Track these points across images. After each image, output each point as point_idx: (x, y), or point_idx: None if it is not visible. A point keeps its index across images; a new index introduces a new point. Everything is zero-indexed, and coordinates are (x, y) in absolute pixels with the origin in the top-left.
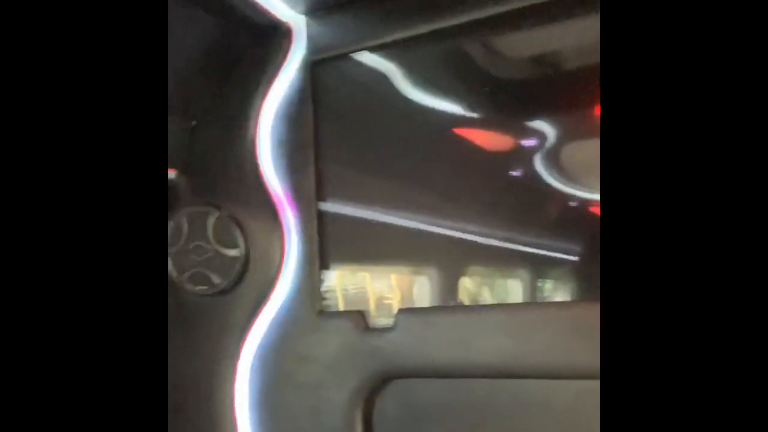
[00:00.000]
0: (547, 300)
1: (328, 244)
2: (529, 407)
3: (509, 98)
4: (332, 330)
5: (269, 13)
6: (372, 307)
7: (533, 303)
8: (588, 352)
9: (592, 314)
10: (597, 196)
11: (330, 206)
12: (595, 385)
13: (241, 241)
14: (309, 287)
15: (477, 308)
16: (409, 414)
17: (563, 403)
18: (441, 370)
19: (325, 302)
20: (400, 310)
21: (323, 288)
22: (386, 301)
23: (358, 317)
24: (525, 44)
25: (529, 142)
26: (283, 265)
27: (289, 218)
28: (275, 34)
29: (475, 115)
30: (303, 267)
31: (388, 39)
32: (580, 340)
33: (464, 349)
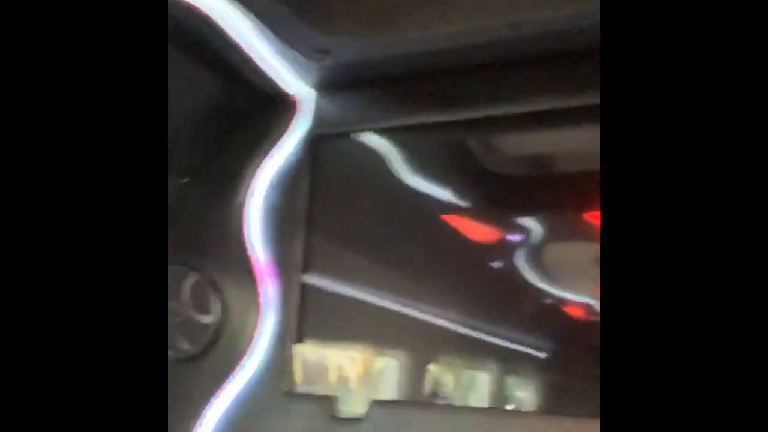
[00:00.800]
0: (514, 405)
1: (307, 317)
2: None
3: (501, 193)
4: (300, 414)
5: (277, 83)
6: (332, 380)
7: (509, 411)
8: None
9: (562, 429)
10: (573, 297)
11: (314, 280)
12: None
13: (217, 307)
14: (280, 364)
15: (451, 408)
16: None
17: None
18: None
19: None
20: (373, 402)
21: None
22: (344, 374)
23: (327, 403)
24: (523, 145)
25: (514, 237)
26: (255, 338)
27: (269, 289)
28: (280, 104)
29: (465, 205)
30: (277, 340)
31: (393, 124)
32: None
33: None
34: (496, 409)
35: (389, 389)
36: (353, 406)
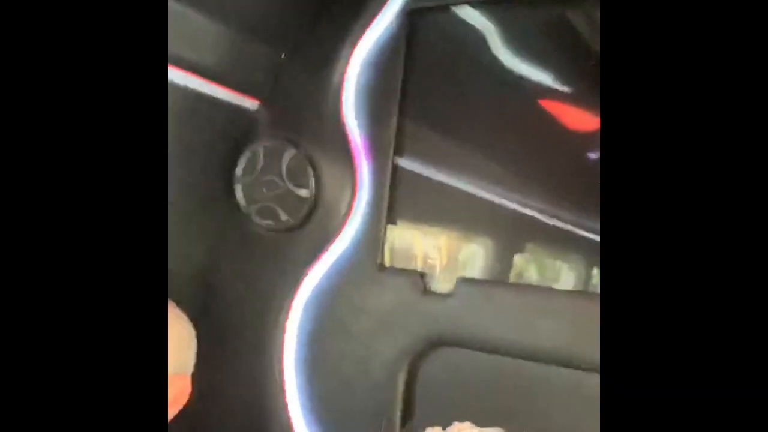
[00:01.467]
0: None
1: (398, 200)
2: (580, 399)
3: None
4: (391, 286)
5: None
6: (421, 261)
7: (596, 293)
8: None
9: None
10: None
11: (405, 162)
12: None
13: (313, 182)
14: (373, 240)
15: (540, 290)
16: (452, 383)
17: None
18: (495, 346)
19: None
20: (461, 279)
21: (387, 245)
22: (432, 256)
23: (418, 278)
24: None
25: None
26: (351, 213)
27: (364, 168)
28: None
29: (565, 89)
30: (370, 218)
31: None
32: None
33: (522, 329)
34: (582, 292)
35: (475, 273)
36: (441, 282)
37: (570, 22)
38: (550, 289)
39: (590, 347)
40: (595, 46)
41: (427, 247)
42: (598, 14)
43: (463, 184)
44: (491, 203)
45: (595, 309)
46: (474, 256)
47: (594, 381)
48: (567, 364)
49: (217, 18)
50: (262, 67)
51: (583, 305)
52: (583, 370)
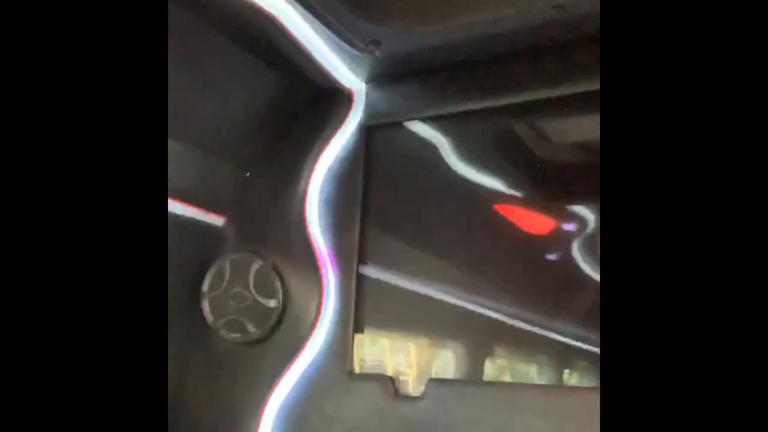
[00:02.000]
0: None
1: (363, 308)
2: None
3: (553, 182)
4: (360, 392)
5: (333, 77)
6: (390, 367)
7: (568, 387)
8: None
9: None
10: None
11: (370, 270)
12: None
13: (280, 292)
14: (342, 347)
15: (509, 386)
16: None
17: None
18: None
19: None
20: (431, 380)
21: (355, 352)
22: (403, 378)
23: (388, 383)
24: (572, 130)
25: (568, 227)
26: (319, 322)
27: (330, 276)
28: (336, 98)
29: (517, 194)
30: (337, 326)
31: (442, 112)
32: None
33: (492, 426)
34: (553, 386)
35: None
36: (412, 385)
37: (516, 133)
38: (521, 385)
39: None
40: (539, 152)
41: (396, 354)
42: (543, 126)
43: (427, 290)
44: (457, 308)
45: (567, 402)
46: (445, 361)
47: None
48: None
49: (182, 140)
50: (227, 184)
51: (554, 399)
52: None
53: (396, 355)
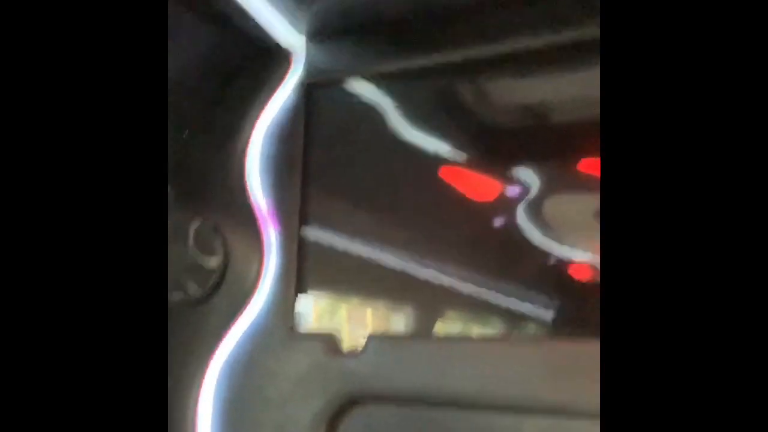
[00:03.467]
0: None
1: (306, 268)
2: None
3: (497, 145)
4: (303, 349)
5: (271, 33)
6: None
7: (508, 338)
8: (559, 390)
9: (566, 352)
10: (575, 255)
11: (311, 230)
12: (563, 423)
13: (220, 251)
14: (283, 305)
15: (450, 339)
16: None
17: None
18: (409, 397)
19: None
20: (372, 336)
21: (298, 310)
22: (344, 335)
23: (330, 339)
24: (517, 91)
25: (512, 192)
26: (260, 281)
27: (271, 235)
28: (275, 54)
29: (461, 158)
30: (279, 285)
31: (382, 69)
32: (553, 377)
33: (434, 378)
34: (496, 338)
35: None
36: (353, 341)
37: (459, 96)
38: (463, 338)
39: (503, 388)
40: (481, 113)
41: (338, 313)
42: (486, 87)
43: (370, 252)
44: (400, 271)
45: (506, 352)
46: (388, 322)
47: (509, 422)
48: (481, 406)
49: None
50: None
51: (493, 349)
52: (498, 411)
53: (339, 315)
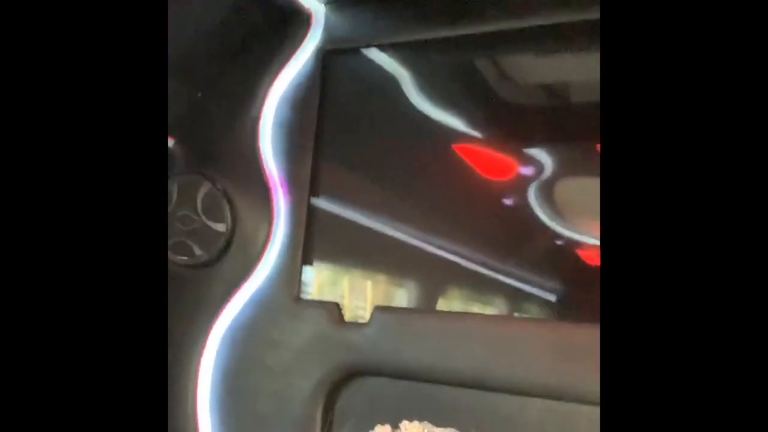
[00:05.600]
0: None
1: (313, 237)
2: (495, 421)
3: (513, 123)
4: (307, 318)
5: None
6: (338, 295)
7: (514, 317)
8: (562, 373)
9: (571, 334)
10: (584, 238)
11: (321, 201)
12: (562, 405)
13: (228, 216)
14: (289, 274)
15: (456, 315)
16: (371, 412)
17: (530, 421)
18: (411, 372)
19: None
20: (377, 308)
21: (303, 279)
22: (349, 305)
23: (334, 309)
24: (538, 69)
25: (525, 171)
26: (267, 249)
27: (280, 203)
28: (294, 19)
29: (476, 134)
30: (286, 254)
31: (401, 39)
32: (557, 360)
33: (438, 354)
34: (502, 316)
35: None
36: (358, 311)
37: (478, 72)
38: (469, 314)
39: (506, 368)
40: (499, 90)
41: (343, 284)
42: (504, 60)
43: (379, 225)
44: (408, 245)
45: (515, 331)
46: (394, 296)
47: (512, 402)
48: (483, 386)
49: None
50: (178, 104)
51: (498, 328)
52: (498, 392)
53: (341, 287)
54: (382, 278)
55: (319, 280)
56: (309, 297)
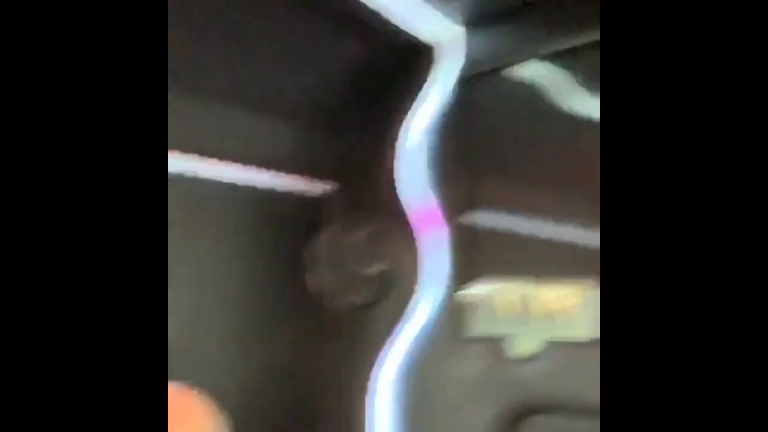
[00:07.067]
0: None
1: (474, 258)
2: None
3: None
4: (473, 354)
5: (416, 31)
6: (505, 319)
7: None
8: None
9: None
10: None
11: (478, 221)
12: None
13: (384, 258)
14: (449, 306)
15: None
16: None
17: None
18: (589, 409)
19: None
20: (546, 342)
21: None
22: (517, 312)
23: (499, 344)
24: None
25: None
26: (423, 285)
27: (433, 237)
28: (420, 53)
29: None
30: (445, 287)
31: (545, 51)
32: None
33: None
34: None
35: (569, 329)
36: (525, 345)
37: None
38: None
39: None
40: None
41: (514, 298)
42: None
43: (541, 230)
44: (576, 247)
45: None
46: (567, 304)
47: None
48: None
49: (277, 113)
50: (327, 153)
51: None
52: None
53: (508, 313)
54: (549, 284)
55: (482, 311)
56: (474, 331)
